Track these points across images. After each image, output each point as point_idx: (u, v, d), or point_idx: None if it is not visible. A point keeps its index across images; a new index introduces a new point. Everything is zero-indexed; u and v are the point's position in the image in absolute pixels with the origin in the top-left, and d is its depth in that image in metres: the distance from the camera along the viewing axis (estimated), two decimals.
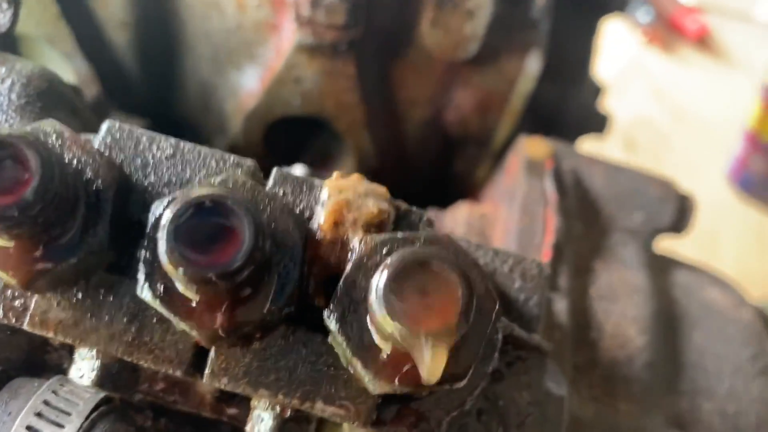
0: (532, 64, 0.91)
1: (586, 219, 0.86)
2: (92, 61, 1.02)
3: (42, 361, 0.51)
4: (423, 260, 0.36)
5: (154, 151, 0.46)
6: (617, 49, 3.02)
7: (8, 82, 0.56)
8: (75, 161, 0.41)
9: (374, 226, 0.43)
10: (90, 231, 0.40)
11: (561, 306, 0.74)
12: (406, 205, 0.46)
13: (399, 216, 0.45)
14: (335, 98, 0.96)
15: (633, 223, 0.88)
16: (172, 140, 0.46)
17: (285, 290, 0.40)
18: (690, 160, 2.69)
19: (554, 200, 0.81)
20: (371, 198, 0.44)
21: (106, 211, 0.41)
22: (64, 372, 0.52)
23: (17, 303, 0.46)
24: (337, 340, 0.40)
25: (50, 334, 0.43)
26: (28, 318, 0.43)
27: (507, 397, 0.51)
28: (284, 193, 0.45)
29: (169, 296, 0.39)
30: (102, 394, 0.48)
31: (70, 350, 0.52)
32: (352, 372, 0.42)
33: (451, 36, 0.88)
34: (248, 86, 1.02)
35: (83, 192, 0.40)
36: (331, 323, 0.40)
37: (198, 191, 0.37)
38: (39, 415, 0.46)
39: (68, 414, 0.46)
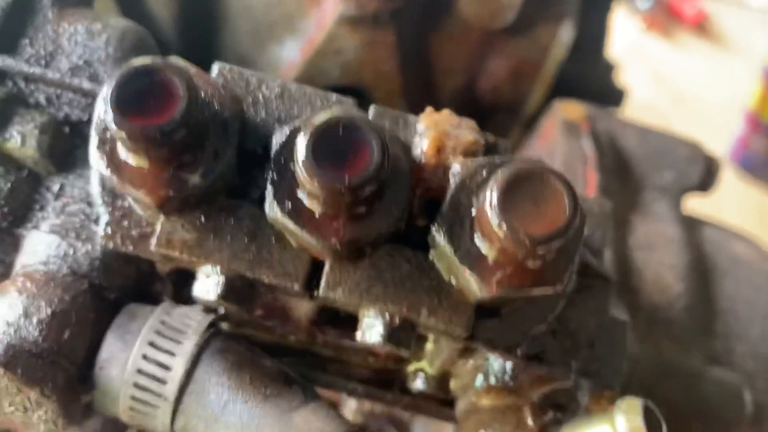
0: (566, 33, 0.96)
1: (621, 177, 0.91)
2: None
3: (147, 290, 0.55)
4: (532, 171, 0.40)
5: (263, 90, 0.50)
6: (617, 35, 3.06)
7: (104, 36, 0.60)
8: (203, 93, 0.45)
9: (471, 153, 0.47)
10: (219, 157, 0.44)
11: (605, 255, 0.79)
12: (493, 137, 0.50)
13: (488, 146, 0.49)
14: (374, 68, 1.00)
15: (664, 181, 0.92)
16: (279, 80, 0.50)
17: (396, 209, 0.45)
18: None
19: (594, 158, 0.85)
20: (465, 128, 0.48)
21: (232, 140, 0.45)
22: (163, 301, 0.56)
23: (134, 232, 0.50)
24: (445, 251, 0.45)
25: (176, 254, 0.47)
26: (154, 239, 0.47)
27: (577, 320, 0.56)
28: (385, 126, 0.49)
29: (297, 211, 0.43)
30: (211, 317, 0.52)
31: (172, 281, 0.56)
32: (455, 283, 0.46)
33: (489, 5, 0.93)
34: (288, 59, 1.06)
35: (212, 122, 0.44)
36: (439, 236, 0.45)
37: (327, 114, 0.41)
38: (158, 332, 0.50)
39: (184, 332, 0.50)
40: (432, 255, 0.47)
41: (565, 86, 1.18)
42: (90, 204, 0.55)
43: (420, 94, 1.07)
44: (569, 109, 0.92)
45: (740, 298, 0.87)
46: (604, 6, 1.28)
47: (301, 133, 0.41)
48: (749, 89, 2.57)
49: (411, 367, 0.59)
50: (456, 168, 0.46)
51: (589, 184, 0.84)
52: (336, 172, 0.40)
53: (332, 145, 0.41)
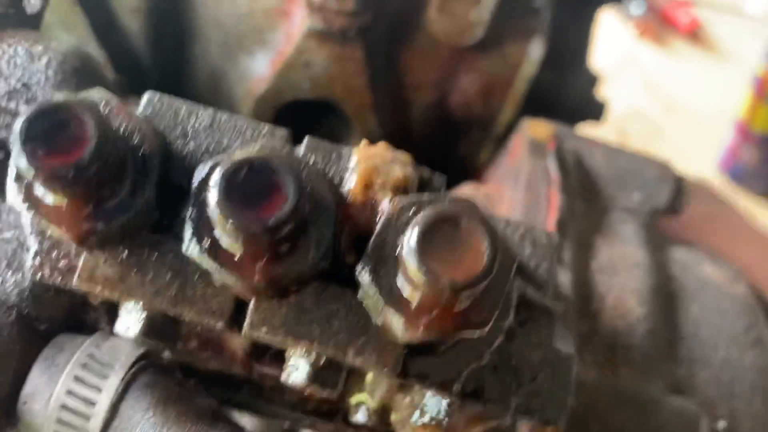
0: (535, 50, 0.95)
1: (587, 198, 0.90)
2: (105, 47, 1.05)
3: (81, 320, 0.55)
4: (452, 215, 0.39)
5: (192, 121, 0.49)
6: (610, 42, 3.06)
7: (44, 59, 0.59)
8: (123, 128, 0.44)
9: (401, 189, 0.46)
10: (138, 192, 0.43)
11: (565, 278, 0.78)
12: (428, 172, 0.49)
13: (422, 181, 0.48)
14: (343, 82, 0.99)
15: (631, 203, 0.91)
16: (210, 110, 0.49)
17: (320, 247, 0.44)
18: (681, 151, 2.72)
19: (557, 179, 0.84)
20: (397, 164, 0.47)
21: (152, 174, 0.44)
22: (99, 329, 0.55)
23: (62, 264, 0.49)
24: (369, 293, 0.44)
25: (97, 290, 0.46)
26: (76, 275, 0.46)
27: (520, 354, 0.55)
28: (315, 160, 0.48)
29: (215, 250, 0.42)
30: (140, 350, 0.51)
31: (107, 311, 0.55)
32: (381, 323, 0.45)
33: (457, 22, 0.92)
34: (258, 71, 1.05)
35: (131, 157, 0.43)
36: (364, 276, 0.44)
37: (245, 153, 0.40)
38: (84, 366, 0.49)
39: (111, 366, 0.49)
40: (360, 293, 0.46)
41: (544, 99, 1.17)
42: (22, 231, 0.54)
43: (391, 109, 1.06)
44: (536, 128, 0.91)
45: (706, 323, 0.86)
46: (586, 18, 1.27)
47: (216, 171, 0.40)
48: (740, 99, 2.56)
49: (353, 400, 0.58)
50: (384, 205, 0.45)
51: (551, 206, 0.83)
52: (250, 212, 0.39)
53: (246, 186, 0.40)
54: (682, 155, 2.70)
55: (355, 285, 0.47)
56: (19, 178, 0.43)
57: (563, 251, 0.79)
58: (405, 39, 0.97)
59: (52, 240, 0.49)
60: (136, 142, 0.44)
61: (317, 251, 0.43)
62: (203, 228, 0.43)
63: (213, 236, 0.42)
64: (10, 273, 0.52)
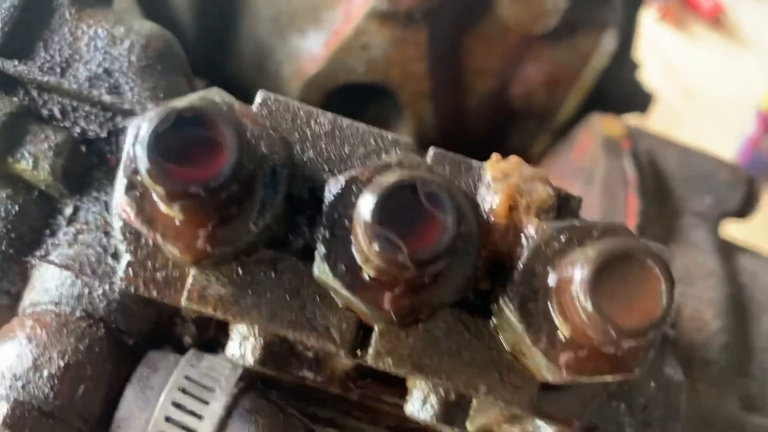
0: (609, 42, 0.90)
1: (659, 201, 0.86)
2: (148, 18, 0.99)
3: (168, 333, 0.50)
4: (631, 252, 0.36)
5: (312, 126, 0.44)
6: None
7: (127, 42, 0.54)
8: (253, 136, 0.39)
9: (544, 211, 0.42)
10: (267, 209, 0.39)
11: None
12: (564, 190, 0.45)
13: (560, 201, 0.44)
14: (402, 67, 0.94)
15: (703, 207, 0.88)
16: (330, 115, 0.45)
17: (463, 275, 0.40)
18: (699, 139, 2.69)
19: (635, 182, 0.81)
20: (538, 182, 0.43)
21: (281, 188, 0.39)
22: (184, 345, 0.51)
23: (159, 276, 0.45)
24: (514, 327, 0.40)
25: (209, 311, 0.41)
26: (185, 294, 0.42)
27: (633, 383, 0.52)
28: (445, 173, 0.44)
29: (350, 275, 0.38)
30: (240, 371, 0.47)
31: (195, 324, 0.51)
32: (519, 358, 0.42)
33: (532, 9, 0.87)
34: (311, 51, 1.00)
35: (260, 170, 0.39)
36: (509, 310, 0.40)
37: (396, 176, 0.36)
38: (183, 390, 0.45)
39: (212, 390, 0.45)
40: (493, 322, 0.42)
41: (596, 90, 1.12)
42: (107, 234, 0.50)
43: (449, 97, 1.01)
44: (609, 125, 0.87)
45: None
46: (636, 4, 1.22)
47: (367, 193, 0.36)
48: (762, 88, 2.52)
49: None
50: (530, 231, 0.41)
51: (629, 211, 0.79)
52: (402, 242, 0.35)
53: (399, 211, 0.36)
54: (700, 143, 2.67)
55: (486, 312, 0.43)
56: (131, 186, 0.38)
57: None
58: (472, 23, 0.92)
59: (147, 248, 0.45)
60: (265, 151, 0.39)
61: (459, 282, 0.39)
62: (337, 250, 0.39)
63: (349, 260, 0.38)
64: (96, 282, 0.48)
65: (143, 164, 0.35)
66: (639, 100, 1.26)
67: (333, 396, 0.56)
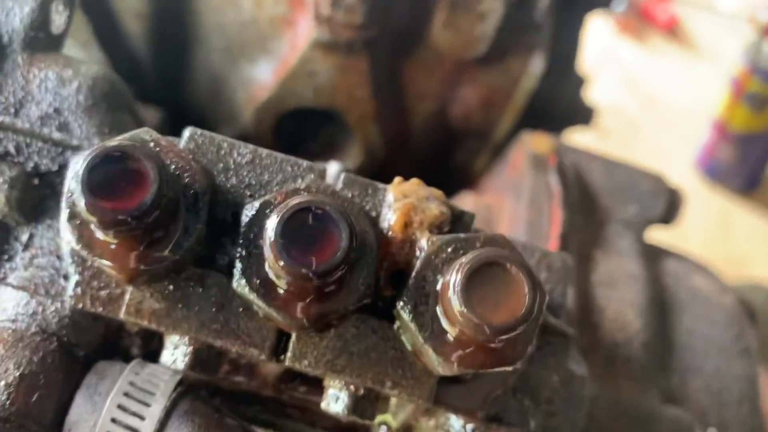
0: (536, 65, 0.97)
1: (585, 211, 0.93)
2: (106, 51, 1.05)
3: (116, 345, 0.56)
4: (496, 260, 0.42)
5: (234, 156, 0.50)
6: (590, 38, 3.08)
7: (75, 83, 0.60)
8: (173, 168, 0.45)
9: (437, 226, 0.48)
10: (190, 231, 0.45)
11: (568, 292, 0.81)
12: (458, 207, 0.51)
13: (454, 217, 0.50)
14: (347, 92, 1.01)
15: (628, 215, 0.95)
16: (250, 146, 0.51)
17: (364, 285, 0.46)
18: (659, 147, 2.79)
19: (559, 194, 0.87)
20: (433, 201, 0.49)
21: (203, 213, 0.45)
22: (132, 355, 0.57)
23: (103, 294, 0.51)
24: (410, 328, 0.46)
25: (144, 323, 0.47)
26: (123, 309, 0.47)
27: (537, 377, 0.58)
28: (353, 195, 0.50)
29: (264, 287, 0.44)
30: (178, 377, 0.53)
31: (142, 337, 0.57)
32: (418, 356, 0.48)
33: (462, 37, 0.93)
34: (261, 79, 1.06)
35: (183, 197, 0.45)
36: (405, 313, 0.46)
37: (301, 198, 0.42)
38: (127, 394, 0.50)
39: (152, 394, 0.51)
40: (396, 325, 0.49)
41: (536, 106, 1.19)
42: (59, 257, 0.56)
43: (392, 118, 1.08)
44: (537, 142, 0.94)
45: (697, 333, 0.90)
46: (576, 23, 1.30)
47: (273, 215, 0.42)
48: (717, 96, 2.62)
49: (376, 421, 0.60)
50: (422, 244, 0.47)
51: (554, 221, 0.86)
52: (304, 257, 0.41)
53: (301, 229, 0.42)
54: (660, 152, 2.77)
55: (391, 317, 0.49)
56: (73, 216, 0.44)
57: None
58: (409, 51, 0.98)
59: (92, 270, 0.51)
60: (187, 181, 0.45)
61: (361, 289, 0.45)
62: (253, 266, 0.45)
63: (263, 274, 0.44)
64: (49, 301, 0.53)
65: (79, 198, 0.41)
66: (582, 114, 1.34)
67: (271, 399, 0.62)
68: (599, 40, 3.17)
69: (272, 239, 0.41)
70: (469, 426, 0.54)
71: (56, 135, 0.57)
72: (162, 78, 1.12)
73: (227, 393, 0.59)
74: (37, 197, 0.57)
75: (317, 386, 0.55)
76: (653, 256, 0.96)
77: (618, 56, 3.12)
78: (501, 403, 0.56)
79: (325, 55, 0.97)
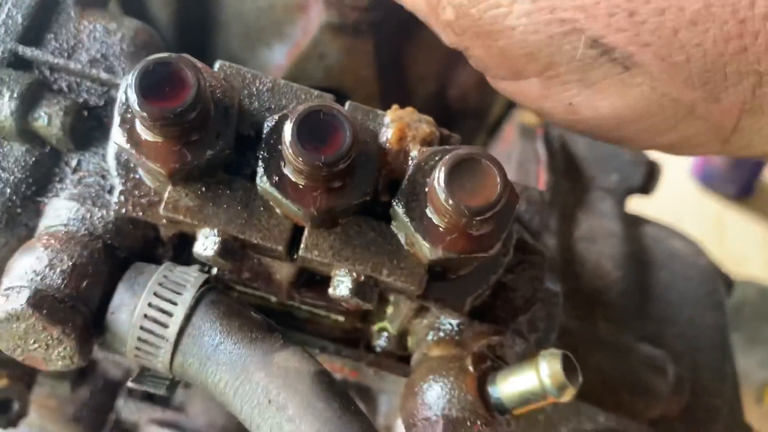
0: None
1: (571, 178, 1.02)
2: None
3: (152, 253, 0.65)
4: (473, 157, 0.51)
5: (257, 85, 0.60)
6: None
7: (119, 34, 0.69)
8: (210, 83, 0.54)
9: (427, 142, 0.57)
10: (220, 137, 0.54)
11: (551, 243, 0.89)
12: (446, 131, 0.60)
13: (443, 138, 0.59)
14: (354, 73, 1.10)
15: (609, 182, 1.03)
16: (270, 77, 0.60)
17: (365, 185, 0.54)
18: (656, 155, 2.86)
19: (545, 159, 0.96)
20: (424, 122, 0.58)
21: (231, 123, 0.54)
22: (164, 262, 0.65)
23: (144, 200, 0.60)
24: (403, 221, 0.55)
25: (180, 217, 0.56)
26: (162, 205, 0.56)
27: (516, 288, 0.66)
28: (357, 117, 0.59)
29: (282, 183, 0.53)
30: (206, 275, 0.61)
31: (174, 246, 0.66)
32: (410, 247, 0.56)
33: None
34: (276, 61, 1.15)
35: (215, 107, 0.54)
36: (399, 209, 0.55)
37: (311, 105, 0.51)
38: (162, 284, 0.59)
39: (184, 285, 0.59)
40: (393, 225, 0.57)
41: None
42: (104, 177, 0.65)
43: (396, 99, 1.17)
44: (527, 116, 1.03)
45: (674, 287, 0.98)
46: None
47: (288, 120, 0.51)
48: None
49: (375, 327, 0.69)
50: (414, 154, 0.56)
51: (539, 182, 0.94)
52: (315, 151, 0.50)
53: (313, 129, 0.51)
54: (657, 159, 2.84)
55: (389, 219, 0.58)
56: (124, 121, 0.53)
57: (549, 220, 0.91)
58: (411, 34, 1.08)
59: (134, 181, 0.60)
60: (218, 95, 0.54)
61: (362, 188, 0.54)
62: (273, 166, 0.54)
63: (281, 172, 0.53)
64: (96, 209, 0.62)
65: (132, 99, 0.50)
66: None
67: (284, 313, 0.71)
68: None
69: (290, 137, 0.50)
70: (455, 321, 0.62)
71: (103, 75, 0.67)
72: None
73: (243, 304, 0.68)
74: (86, 128, 0.66)
75: (322, 292, 0.64)
76: (634, 221, 1.04)
77: None
78: (485, 304, 0.64)
79: (334, 38, 1.06)
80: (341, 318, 0.68)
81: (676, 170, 2.69)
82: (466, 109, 1.18)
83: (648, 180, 1.05)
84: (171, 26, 1.17)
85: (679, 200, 2.63)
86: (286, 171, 0.53)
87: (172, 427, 1.03)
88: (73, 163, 0.66)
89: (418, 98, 1.18)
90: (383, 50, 1.08)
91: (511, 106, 1.14)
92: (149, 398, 1.05)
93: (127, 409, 1.04)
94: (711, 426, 0.92)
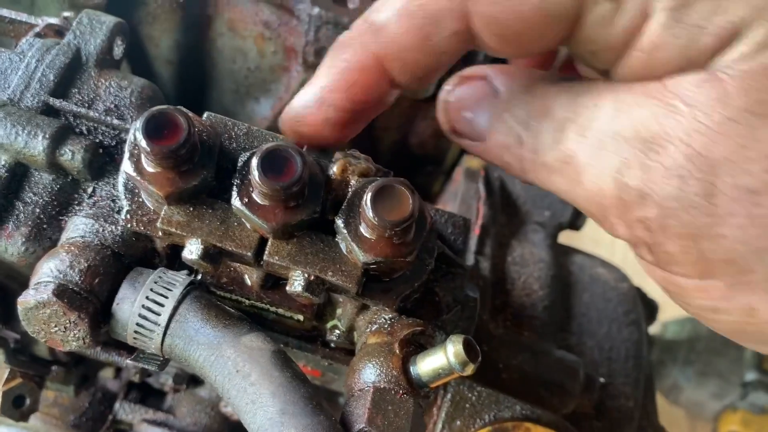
0: None
1: (508, 213, 1.19)
2: None
3: (149, 261, 0.82)
4: (390, 184, 0.68)
5: (235, 130, 0.77)
6: None
7: (129, 89, 0.88)
8: (198, 127, 0.72)
9: (364, 175, 0.75)
10: (205, 168, 0.72)
11: (485, 265, 1.06)
12: (383, 168, 0.78)
13: (377, 171, 0.77)
14: None
15: (542, 218, 1.21)
16: (246, 125, 0.78)
17: (315, 205, 0.72)
18: None
19: (484, 196, 1.14)
20: (362, 160, 0.76)
21: (214, 158, 0.72)
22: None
23: (145, 218, 0.77)
24: (343, 233, 0.72)
25: (172, 230, 0.73)
26: (159, 220, 0.73)
27: (440, 294, 0.83)
28: (312, 157, 0.77)
29: (250, 203, 0.70)
30: (191, 278, 0.78)
31: (167, 256, 0.83)
32: (349, 254, 0.73)
33: None
34: (262, 113, 1.35)
35: (200, 146, 0.72)
36: (340, 224, 0.72)
37: (271, 145, 0.69)
38: (156, 283, 0.76)
39: (174, 284, 0.76)
40: (337, 237, 0.74)
41: None
42: (113, 201, 0.82)
43: (364, 145, 1.35)
44: (472, 161, 1.21)
45: (594, 306, 1.15)
46: None
47: (255, 155, 0.69)
48: None
49: (328, 325, 0.85)
50: (353, 182, 0.74)
51: (479, 216, 1.12)
52: (275, 179, 0.68)
53: (273, 163, 0.68)
54: None
55: (333, 232, 0.75)
56: (132, 156, 0.71)
57: (485, 247, 1.08)
58: None
59: (138, 202, 0.77)
60: (204, 137, 0.72)
61: (312, 207, 0.72)
62: (244, 191, 0.71)
63: (250, 195, 0.71)
64: (107, 225, 0.79)
65: (140, 139, 0.68)
66: None
67: (256, 315, 0.87)
68: None
69: (256, 168, 0.68)
70: (388, 316, 0.79)
71: (115, 122, 0.85)
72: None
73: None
74: (101, 162, 0.84)
75: (285, 295, 0.81)
76: (564, 251, 1.22)
77: None
78: (413, 305, 0.81)
79: None
80: (301, 317, 0.85)
81: None
82: (425, 154, 1.37)
83: (576, 217, 1.23)
84: (172, 82, 1.36)
85: None
86: (254, 194, 0.71)
87: (162, 426, 1.18)
88: (89, 190, 0.84)
89: (383, 145, 1.37)
90: None
91: (462, 153, 1.33)
92: (142, 401, 1.21)
93: (122, 410, 1.19)
94: (626, 425, 1.07)
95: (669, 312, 2.59)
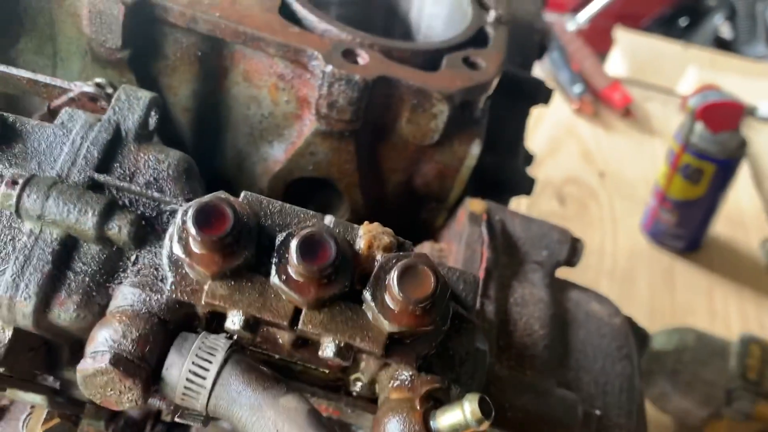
0: (475, 149, 1.34)
1: (508, 254, 1.28)
2: (160, 134, 1.41)
3: (190, 325, 0.90)
4: (414, 264, 0.77)
5: (270, 208, 0.86)
6: (553, 117, 3.51)
7: (167, 162, 0.95)
8: (239, 212, 0.80)
9: (388, 249, 0.83)
10: (246, 248, 0.80)
11: (490, 308, 1.15)
12: (402, 239, 0.86)
13: (399, 244, 0.85)
14: (339, 166, 1.37)
15: (540, 258, 1.30)
16: (279, 203, 0.86)
17: (345, 281, 0.80)
18: (612, 213, 3.15)
19: (487, 240, 1.23)
20: (386, 235, 0.85)
21: (254, 237, 0.80)
22: (198, 332, 0.90)
23: (188, 288, 0.85)
24: (370, 305, 0.80)
25: (216, 303, 0.81)
26: (204, 294, 0.82)
27: (453, 348, 0.92)
28: (339, 230, 0.85)
29: (287, 280, 0.79)
30: (231, 342, 0.87)
31: (207, 320, 0.91)
32: (375, 323, 0.82)
33: (421, 129, 1.30)
34: (275, 156, 1.42)
35: (244, 229, 0.80)
36: (367, 296, 0.80)
37: (308, 229, 0.77)
38: (200, 348, 0.84)
39: (216, 349, 0.85)
40: (364, 307, 0.83)
41: (487, 178, 1.56)
42: (156, 269, 0.90)
43: (372, 186, 1.44)
44: (474, 204, 1.30)
45: (589, 342, 1.24)
46: (521, 114, 1.69)
47: (293, 239, 0.77)
48: (660, 167, 2.98)
49: (352, 377, 0.94)
50: (379, 257, 0.82)
51: (483, 259, 1.21)
52: (311, 262, 0.76)
53: (309, 247, 0.77)
54: (613, 216, 3.13)
55: (361, 302, 0.83)
56: (180, 238, 0.79)
57: (489, 290, 1.17)
58: (383, 138, 1.35)
59: (182, 274, 0.85)
60: (245, 220, 0.80)
61: (343, 282, 0.80)
62: (282, 268, 0.79)
63: (287, 272, 0.79)
64: (153, 294, 0.87)
65: (190, 227, 0.76)
66: (526, 185, 1.70)
67: (282, 367, 0.96)
68: (561, 119, 3.57)
69: (294, 252, 0.76)
70: (408, 373, 0.88)
71: (155, 194, 0.93)
72: (200, 155, 1.47)
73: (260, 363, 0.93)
74: (143, 233, 0.92)
75: (314, 353, 0.89)
76: (561, 287, 1.31)
77: (577, 133, 3.52)
78: (429, 362, 0.89)
79: (323, 140, 1.33)
80: (327, 371, 0.93)
81: (630, 226, 2.97)
82: (429, 193, 1.45)
83: (571, 254, 1.32)
84: (190, 127, 1.44)
85: (632, 253, 2.91)
86: (291, 272, 0.79)
87: None
88: (133, 258, 0.91)
89: (390, 185, 1.45)
90: (362, 149, 1.35)
91: (469, 193, 1.42)
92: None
93: None
94: None
95: (657, 323, 2.68)
